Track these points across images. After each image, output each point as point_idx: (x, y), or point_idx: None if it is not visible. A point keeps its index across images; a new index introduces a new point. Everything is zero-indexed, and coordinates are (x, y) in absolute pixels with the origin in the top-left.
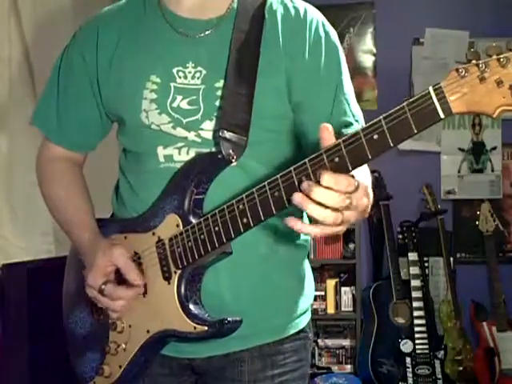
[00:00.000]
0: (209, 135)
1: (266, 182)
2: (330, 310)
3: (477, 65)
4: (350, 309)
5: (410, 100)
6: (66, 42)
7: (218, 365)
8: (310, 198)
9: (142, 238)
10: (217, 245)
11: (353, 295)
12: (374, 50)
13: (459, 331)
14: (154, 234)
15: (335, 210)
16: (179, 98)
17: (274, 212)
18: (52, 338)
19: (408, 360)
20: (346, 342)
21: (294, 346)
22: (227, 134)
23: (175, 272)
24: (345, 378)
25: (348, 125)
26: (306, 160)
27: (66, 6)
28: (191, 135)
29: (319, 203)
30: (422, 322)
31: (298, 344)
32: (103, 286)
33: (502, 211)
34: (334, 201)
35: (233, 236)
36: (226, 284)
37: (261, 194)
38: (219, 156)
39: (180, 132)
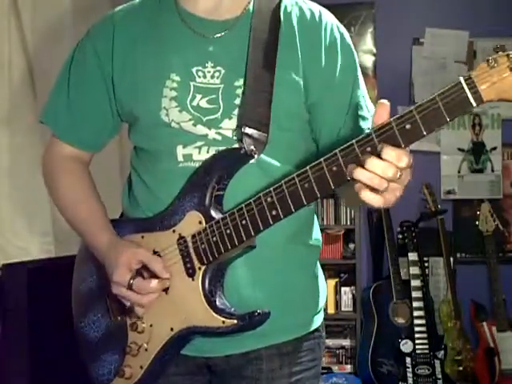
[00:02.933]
0: (228, 133)
1: (294, 174)
2: (330, 309)
3: (507, 55)
4: (350, 309)
5: (441, 91)
6: (67, 44)
7: (236, 363)
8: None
9: (161, 236)
10: (244, 238)
11: (353, 295)
12: (374, 50)
13: (459, 331)
14: (174, 231)
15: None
16: (199, 96)
17: (305, 203)
18: (52, 338)
19: (408, 360)
20: (346, 342)
21: (310, 344)
22: (249, 130)
23: (199, 268)
24: (345, 378)
25: (364, 118)
26: (337, 151)
27: (67, 8)
28: (212, 133)
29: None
30: (422, 322)
31: (313, 343)
32: (132, 281)
33: (502, 211)
34: (391, 172)
35: (261, 228)
36: (245, 281)
37: (290, 185)
38: (241, 151)
39: (200, 129)
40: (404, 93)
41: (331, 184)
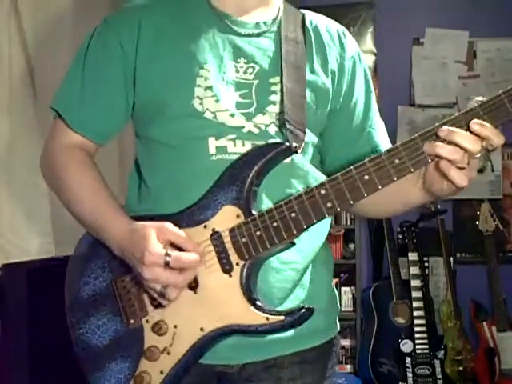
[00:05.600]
0: (264, 127)
1: (352, 167)
2: None
3: None
4: (350, 309)
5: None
6: (67, 44)
7: (254, 371)
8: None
9: (190, 232)
10: (294, 231)
11: (353, 295)
12: (374, 50)
13: (459, 331)
14: (205, 226)
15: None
16: (232, 89)
17: (365, 195)
18: (52, 338)
19: (408, 360)
20: (346, 342)
21: (332, 349)
22: (290, 127)
23: (237, 264)
24: (345, 378)
25: (376, 129)
26: (398, 144)
27: (67, 9)
28: (249, 125)
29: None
30: (422, 322)
31: (333, 348)
32: (168, 258)
33: (502, 211)
34: (471, 143)
35: (314, 221)
36: (272, 282)
37: (347, 178)
38: (283, 147)
39: (237, 121)
40: (404, 93)
41: (410, 168)
